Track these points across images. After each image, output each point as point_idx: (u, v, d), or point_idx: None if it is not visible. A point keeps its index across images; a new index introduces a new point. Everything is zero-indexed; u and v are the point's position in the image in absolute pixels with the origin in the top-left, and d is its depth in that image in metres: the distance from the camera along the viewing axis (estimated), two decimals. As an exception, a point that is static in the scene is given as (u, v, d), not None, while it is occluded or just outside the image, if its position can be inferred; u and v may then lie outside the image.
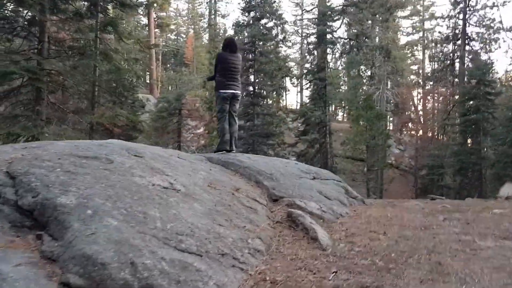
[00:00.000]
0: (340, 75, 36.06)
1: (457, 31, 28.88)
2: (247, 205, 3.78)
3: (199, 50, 37.40)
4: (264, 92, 23.65)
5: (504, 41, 33.61)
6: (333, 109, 39.63)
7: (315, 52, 25.74)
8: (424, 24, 39.75)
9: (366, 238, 3.59)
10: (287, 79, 33.74)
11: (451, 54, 29.88)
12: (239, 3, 30.66)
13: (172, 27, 43.98)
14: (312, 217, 4.04)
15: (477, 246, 3.37)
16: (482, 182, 20.63)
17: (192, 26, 43.75)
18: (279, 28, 26.22)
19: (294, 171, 5.20)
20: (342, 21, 26.34)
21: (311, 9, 29.88)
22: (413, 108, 38.20)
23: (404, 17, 37.94)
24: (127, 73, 14.72)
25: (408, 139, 36.43)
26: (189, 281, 2.23)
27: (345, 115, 42.39)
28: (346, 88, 35.51)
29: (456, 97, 27.27)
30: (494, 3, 28.06)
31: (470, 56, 28.66)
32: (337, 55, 29.13)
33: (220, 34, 35.10)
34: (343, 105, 38.61)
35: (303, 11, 33.00)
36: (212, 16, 39.59)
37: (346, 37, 27.36)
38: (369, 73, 28.47)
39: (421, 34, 40.20)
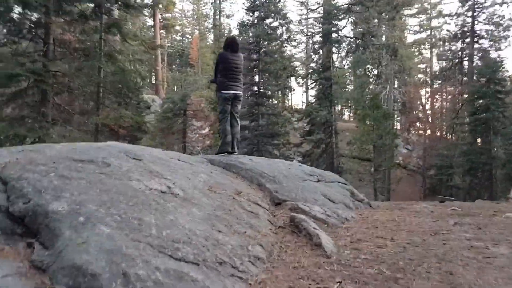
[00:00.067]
0: (346, 74, 35.83)
1: (465, 29, 28.57)
2: (248, 210, 3.66)
3: (204, 50, 37.40)
4: (269, 92, 23.53)
5: (514, 39, 33.07)
6: (339, 108, 39.43)
7: (321, 52, 25.58)
8: (432, 22, 39.40)
9: (373, 245, 3.45)
10: (293, 78, 33.58)
11: (460, 52, 29.57)
12: (243, 3, 30.54)
13: (177, 28, 44.04)
14: (316, 221, 3.92)
15: (490, 253, 3.22)
16: (492, 183, 20.35)
17: (197, 27, 43.75)
18: (284, 27, 26.07)
19: (298, 173, 5.07)
20: (348, 19, 26.14)
21: (316, 8, 29.68)
22: (421, 107, 37.90)
23: (411, 15, 37.60)
24: (131, 74, 14.66)
25: (416, 138, 36.12)
26: (184, 293, 2.12)
27: (351, 114, 42.13)
28: (352, 87, 35.27)
29: (465, 95, 26.98)
30: (503, 0, 27.70)
31: (479, 54, 28.32)
32: (343, 54, 28.96)
33: (225, 35, 35.03)
34: (349, 104, 38.37)
35: (308, 10, 32.78)
36: (217, 17, 39.59)
37: (352, 36, 27.17)
38: (375, 72, 28.22)
39: (428, 32, 39.84)
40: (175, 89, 37.10)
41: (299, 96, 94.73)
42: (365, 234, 3.85)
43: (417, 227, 4.21)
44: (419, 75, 39.37)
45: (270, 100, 25.28)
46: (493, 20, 28.39)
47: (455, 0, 50.16)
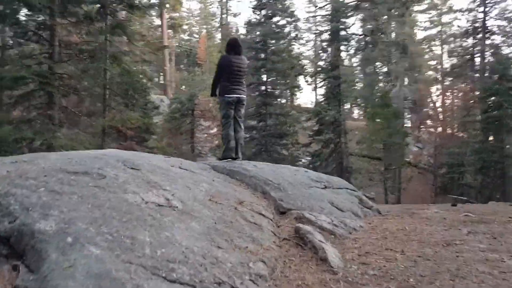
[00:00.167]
0: (355, 72, 35.49)
1: (477, 25, 28.05)
2: (251, 221, 3.50)
3: (211, 50, 37.30)
4: (277, 91, 23.35)
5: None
6: (348, 107, 39.06)
7: (329, 50, 25.32)
8: (442, 18, 38.83)
9: (382, 258, 3.27)
10: (301, 77, 33.33)
11: (471, 49, 29.07)
12: (250, 2, 30.38)
13: (185, 27, 43.98)
14: (322, 232, 3.75)
15: (507, 267, 3.02)
16: (504, 181, 19.96)
17: (205, 26, 43.66)
18: (291, 26, 25.85)
19: (304, 179, 4.90)
20: (357, 17, 25.83)
21: (324, 6, 29.37)
22: (431, 104, 37.38)
23: (421, 11, 37.10)
24: (138, 76, 14.59)
25: (427, 136, 35.61)
26: (177, 320, 1.98)
27: (361, 113, 41.74)
28: (361, 85, 34.92)
29: (477, 93, 26.49)
30: (515, -6, 27.16)
31: (491, 50, 27.80)
32: (352, 52, 28.65)
33: (232, 33, 34.91)
34: (359, 102, 38.01)
35: (316, 8, 32.48)
36: (224, 16, 39.52)
37: (360, 33, 26.86)
38: (385, 69, 27.90)
39: (439, 28, 39.28)
40: (184, 88, 37.04)
41: (308, 94, 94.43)
42: (373, 245, 3.67)
43: (428, 237, 4.01)
44: (430, 72, 38.86)
45: (278, 99, 25.10)
46: (505, 16, 27.89)
47: (465, -5, 49.36)
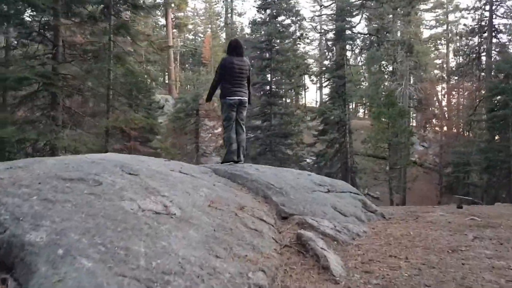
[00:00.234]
0: (361, 71, 35.31)
1: (483, 23, 27.79)
2: (251, 227, 3.42)
3: (216, 49, 37.28)
4: (282, 91, 23.27)
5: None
6: (353, 106, 38.89)
7: (334, 49, 25.20)
8: (448, 16, 38.58)
9: (385, 266, 3.18)
10: (306, 76, 33.21)
11: (477, 47, 28.80)
12: (255, 1, 30.23)
13: (190, 27, 43.98)
14: (325, 238, 3.67)
15: (514, 276, 2.92)
16: (510, 181, 19.74)
17: (209, 26, 43.65)
18: (296, 25, 25.71)
19: (307, 183, 4.81)
20: (362, 16, 25.66)
21: (329, 5, 29.21)
22: (437, 104, 37.14)
23: (427, 10, 36.87)
24: (141, 76, 14.55)
25: (432, 135, 35.45)
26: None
27: (366, 112, 41.53)
28: (366, 84, 34.73)
29: (483, 92, 26.27)
30: (522, -7, 26.86)
31: (497, 49, 27.53)
32: (357, 51, 28.50)
33: (237, 33, 34.83)
34: (364, 101, 37.82)
35: (321, 7, 32.32)
36: (229, 15, 39.43)
37: (366, 32, 26.70)
38: (390, 68, 27.74)
39: (445, 27, 39.03)
40: (188, 88, 37.07)
41: (313, 93, 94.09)
42: (377, 252, 3.58)
43: (433, 243, 3.92)
44: (435, 71, 38.66)
45: (283, 99, 25.00)
46: (511, 14, 27.56)
47: (472, -7, 48.92)
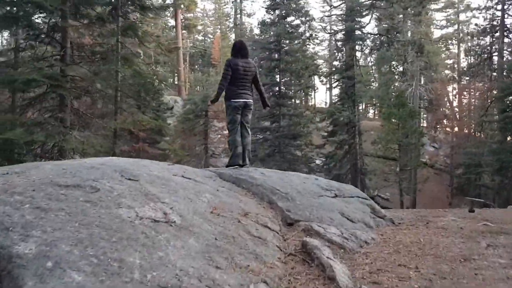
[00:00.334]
0: (371, 71, 34.99)
1: (495, 23, 27.37)
2: (255, 235, 3.30)
3: (226, 50, 37.22)
4: (291, 92, 23.13)
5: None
6: (363, 107, 38.57)
7: (344, 49, 24.98)
8: (459, 16, 38.09)
9: (394, 276, 3.03)
10: (315, 77, 33.00)
11: (489, 47, 28.39)
12: (264, 1, 30.13)
13: (199, 28, 44.02)
14: (331, 246, 3.54)
15: (531, 289, 2.76)
16: (523, 183, 19.39)
17: (219, 26, 43.65)
18: (305, 25, 25.55)
19: (313, 188, 4.67)
20: (372, 16, 25.39)
21: (339, 5, 28.96)
22: (448, 104, 36.67)
23: (438, 9, 36.41)
24: (149, 77, 14.52)
25: (443, 136, 35.01)
26: None
27: (376, 112, 41.17)
28: (376, 85, 34.40)
29: (495, 92, 25.85)
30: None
31: (509, 49, 27.09)
32: (367, 51, 28.23)
33: (246, 34, 34.77)
34: (374, 102, 37.47)
35: (331, 7, 32.08)
36: (238, 16, 39.39)
37: (376, 32, 26.43)
38: (401, 69, 27.42)
39: (456, 27, 38.53)
40: (198, 89, 37.08)
41: (323, 94, 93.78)
42: (386, 261, 3.43)
43: (444, 251, 3.76)
44: (446, 71, 38.14)
45: (292, 100, 24.85)
46: (524, 13, 27.09)
47: (484, -8, 48.30)
